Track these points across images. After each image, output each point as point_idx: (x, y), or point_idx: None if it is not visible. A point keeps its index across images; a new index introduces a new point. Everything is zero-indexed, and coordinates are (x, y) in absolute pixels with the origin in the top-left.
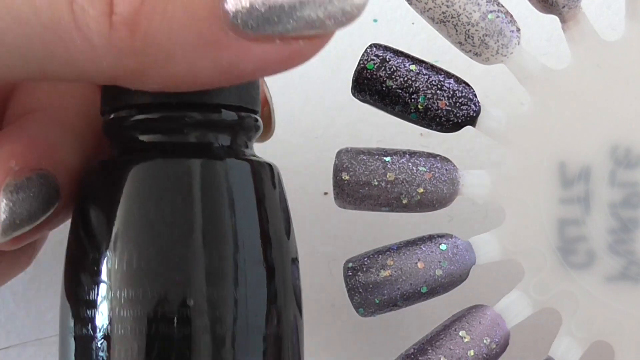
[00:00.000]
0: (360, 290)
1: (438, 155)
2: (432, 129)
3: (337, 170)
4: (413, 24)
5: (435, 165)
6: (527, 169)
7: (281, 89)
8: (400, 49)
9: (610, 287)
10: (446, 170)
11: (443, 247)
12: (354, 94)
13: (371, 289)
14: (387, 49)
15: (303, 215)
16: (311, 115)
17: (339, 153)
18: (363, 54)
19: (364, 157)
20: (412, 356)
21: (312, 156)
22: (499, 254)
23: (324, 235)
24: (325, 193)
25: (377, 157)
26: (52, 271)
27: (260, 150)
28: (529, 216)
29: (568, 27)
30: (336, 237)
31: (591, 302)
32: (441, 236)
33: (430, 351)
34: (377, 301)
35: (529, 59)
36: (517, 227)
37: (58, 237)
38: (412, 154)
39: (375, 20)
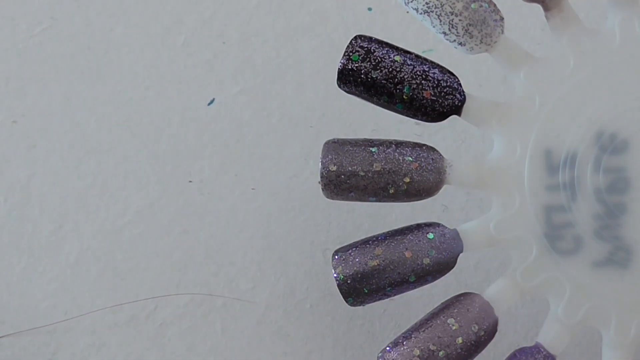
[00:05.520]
0: (349, 280)
1: (424, 144)
2: (418, 119)
3: (324, 162)
4: (407, 12)
5: (421, 155)
6: (513, 156)
7: (274, 78)
8: (390, 38)
9: (598, 272)
10: (432, 159)
11: (430, 235)
12: (339, 86)
13: (359, 278)
14: (371, 40)
15: (298, 203)
16: (305, 105)
17: (325, 144)
18: (348, 46)
19: (350, 148)
20: (400, 344)
21: (307, 144)
22: (486, 242)
23: (318, 224)
24: (320, 182)
25: (363, 147)
26: (46, 260)
27: (255, 139)
28: (516, 204)
29: (551, 15)
30: (330, 225)
31: (579, 288)
32: (428, 225)
33: (418, 338)
34: (366, 290)
35: (513, 48)
36: (504, 214)
37: (51, 226)
38: (399, 144)
39: (369, 9)
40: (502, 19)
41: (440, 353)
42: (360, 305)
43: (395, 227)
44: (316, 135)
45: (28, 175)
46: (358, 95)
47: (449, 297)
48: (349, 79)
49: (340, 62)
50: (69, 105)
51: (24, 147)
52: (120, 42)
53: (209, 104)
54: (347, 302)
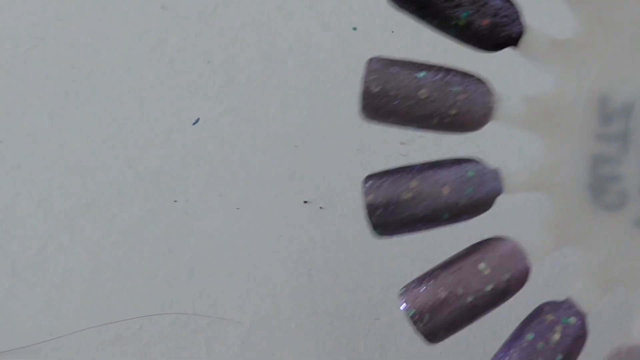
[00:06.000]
0: (380, 210)
1: (474, 75)
2: (470, 47)
3: (366, 81)
4: (392, 32)
5: (469, 87)
6: (566, 99)
7: (259, 97)
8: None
9: (638, 231)
10: (481, 92)
11: (470, 173)
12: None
13: (391, 210)
14: None
15: (283, 223)
16: (290, 124)
17: (369, 61)
18: None
19: (396, 70)
20: (426, 282)
21: (292, 164)
22: (527, 185)
23: (303, 244)
24: (305, 202)
25: (410, 71)
26: (31, 279)
27: (240, 159)
28: (563, 149)
29: None
30: (315, 245)
31: (617, 245)
32: (468, 161)
33: (446, 279)
34: (396, 222)
35: None
36: (550, 159)
37: (36, 246)
38: (448, 71)
39: (354, 29)
40: None
41: (469, 299)
42: (387, 237)
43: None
44: (301, 155)
45: (12, 195)
46: (411, 14)
47: (480, 240)
48: None
49: None
50: (53, 125)
51: (8, 167)
52: (105, 62)
53: (194, 124)
54: (375, 231)
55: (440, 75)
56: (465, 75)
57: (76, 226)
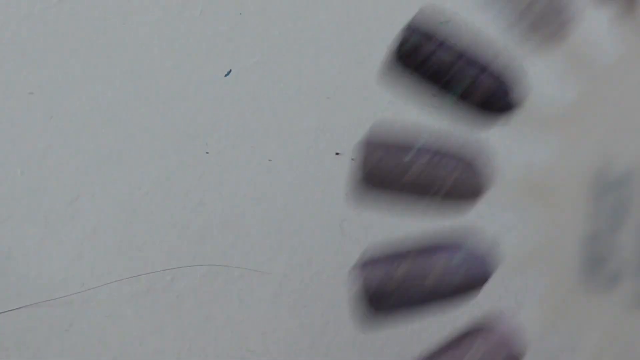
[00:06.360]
0: (370, 293)
1: (470, 144)
2: (468, 115)
3: (362, 158)
4: None
5: (465, 160)
6: (561, 172)
7: (291, 49)
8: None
9: (633, 312)
10: (474, 166)
11: (462, 252)
12: (392, 65)
13: (383, 293)
14: (436, 20)
15: (315, 174)
16: (322, 76)
17: (362, 143)
18: (412, 20)
19: (393, 143)
20: None
21: (324, 116)
22: (519, 263)
23: (335, 196)
24: (337, 153)
25: (403, 147)
26: (63, 232)
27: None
28: (556, 225)
29: (624, 16)
30: (347, 197)
31: (610, 326)
32: (460, 240)
33: None
34: (387, 306)
35: (579, 51)
36: (542, 236)
37: (68, 198)
38: (441, 145)
39: None
40: (572, 18)
41: None
42: (377, 323)
43: (424, 236)
44: (333, 107)
45: (44, 147)
46: (411, 76)
47: (472, 321)
48: (408, 56)
49: (402, 36)
50: (85, 76)
51: (40, 119)
52: (137, 13)
53: (226, 75)
54: (365, 315)
55: (438, 145)
56: (461, 145)
57: (108, 178)
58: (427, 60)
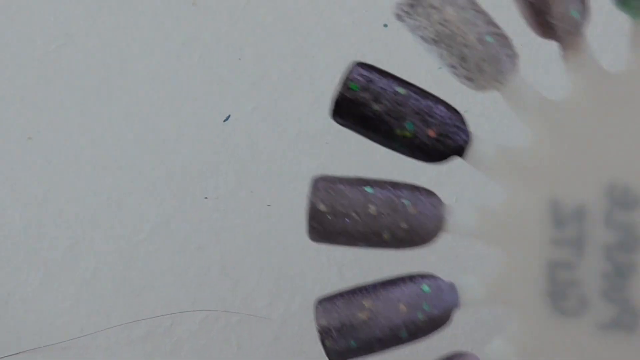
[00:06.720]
0: (334, 333)
1: (423, 187)
2: (416, 159)
3: (312, 201)
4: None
5: (420, 199)
6: (517, 206)
7: (290, 94)
8: (407, 55)
9: (602, 336)
10: (432, 204)
11: (425, 288)
12: (334, 118)
13: (346, 332)
14: (372, 68)
15: None
16: (321, 121)
17: (313, 181)
18: (345, 74)
19: (343, 187)
20: None
21: (322, 161)
22: (484, 298)
23: None
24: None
25: (357, 186)
26: (62, 276)
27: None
28: (518, 258)
29: (568, 56)
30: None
31: (581, 353)
32: (423, 276)
33: None
34: (353, 345)
35: (526, 88)
36: (505, 269)
37: (67, 243)
38: (395, 185)
39: (385, 25)
40: (517, 55)
41: None
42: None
43: (386, 276)
44: (331, 152)
45: (44, 192)
46: (353, 129)
47: (441, 356)
48: (346, 110)
49: (337, 92)
50: (84, 121)
51: (39, 164)
52: (135, 58)
53: (225, 121)
54: (329, 357)
55: (388, 189)
56: (414, 187)
57: (107, 223)
58: (364, 113)
